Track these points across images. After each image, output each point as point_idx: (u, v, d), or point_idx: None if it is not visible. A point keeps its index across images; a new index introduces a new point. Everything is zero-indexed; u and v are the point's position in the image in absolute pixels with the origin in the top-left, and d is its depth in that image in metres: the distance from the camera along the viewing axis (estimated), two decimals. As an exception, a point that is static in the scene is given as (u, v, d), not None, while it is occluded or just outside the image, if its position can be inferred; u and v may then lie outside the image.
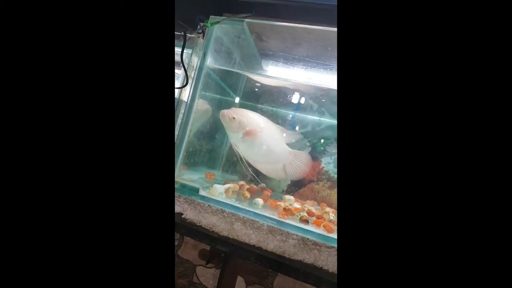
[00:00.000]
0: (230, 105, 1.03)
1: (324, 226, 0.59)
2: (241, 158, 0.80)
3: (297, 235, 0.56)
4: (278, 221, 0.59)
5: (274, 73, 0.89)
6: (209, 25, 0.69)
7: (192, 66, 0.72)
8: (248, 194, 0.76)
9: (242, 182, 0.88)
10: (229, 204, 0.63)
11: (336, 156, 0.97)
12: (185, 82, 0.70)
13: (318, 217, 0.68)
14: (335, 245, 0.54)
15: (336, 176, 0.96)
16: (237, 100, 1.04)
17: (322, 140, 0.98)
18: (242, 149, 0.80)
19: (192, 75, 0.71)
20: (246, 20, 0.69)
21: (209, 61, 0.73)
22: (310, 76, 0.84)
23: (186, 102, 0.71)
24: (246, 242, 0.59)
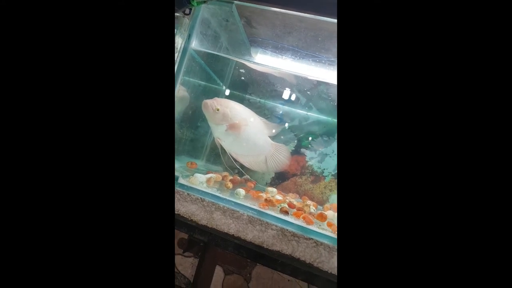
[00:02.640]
0: (216, 93, 1.00)
1: (304, 218, 0.60)
2: (223, 151, 0.78)
3: (276, 226, 0.56)
4: (258, 211, 0.58)
5: (263, 62, 0.87)
6: (196, 4, 0.65)
7: (176, 48, 0.68)
8: (230, 185, 0.75)
9: (225, 173, 0.86)
10: (209, 193, 0.61)
11: (320, 151, 0.98)
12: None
13: (299, 209, 0.68)
14: (313, 237, 0.55)
15: (319, 170, 0.97)
16: (227, 92, 1.01)
17: (307, 135, 0.99)
18: (226, 142, 0.77)
19: (176, 57, 0.67)
20: (236, 2, 0.65)
21: (195, 44, 0.69)
22: (300, 68, 0.83)
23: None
24: (225, 231, 0.58)
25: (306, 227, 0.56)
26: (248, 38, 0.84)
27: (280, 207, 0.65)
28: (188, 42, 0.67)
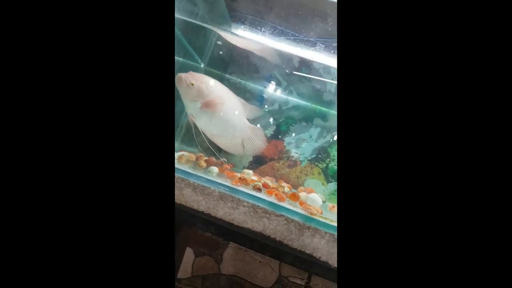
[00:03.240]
0: (194, 70, 0.96)
1: (276, 195, 0.59)
2: (197, 131, 0.75)
3: (248, 202, 0.55)
4: (230, 188, 0.57)
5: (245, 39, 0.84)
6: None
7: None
8: (204, 164, 0.72)
9: (200, 154, 0.83)
10: (179, 169, 0.58)
11: (297, 136, 0.98)
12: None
13: (273, 189, 0.67)
14: (285, 214, 0.54)
15: (295, 155, 0.98)
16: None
17: (286, 120, 0.98)
18: (200, 121, 0.74)
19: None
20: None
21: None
22: (282, 48, 0.81)
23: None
24: (195, 208, 0.55)
25: (278, 203, 0.55)
26: (229, 13, 0.80)
27: (253, 185, 0.63)
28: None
